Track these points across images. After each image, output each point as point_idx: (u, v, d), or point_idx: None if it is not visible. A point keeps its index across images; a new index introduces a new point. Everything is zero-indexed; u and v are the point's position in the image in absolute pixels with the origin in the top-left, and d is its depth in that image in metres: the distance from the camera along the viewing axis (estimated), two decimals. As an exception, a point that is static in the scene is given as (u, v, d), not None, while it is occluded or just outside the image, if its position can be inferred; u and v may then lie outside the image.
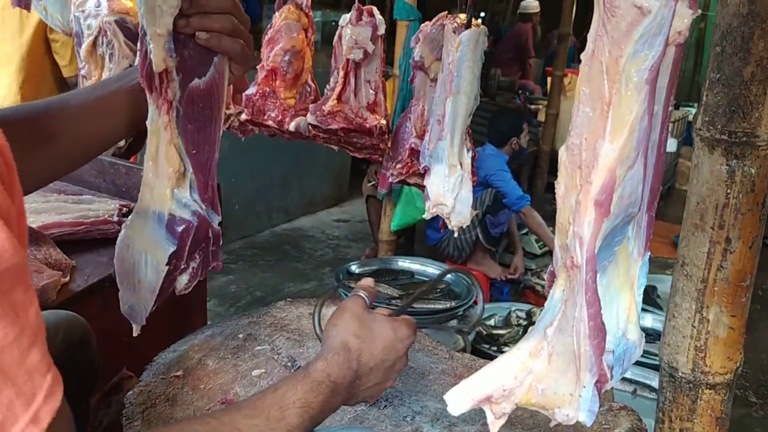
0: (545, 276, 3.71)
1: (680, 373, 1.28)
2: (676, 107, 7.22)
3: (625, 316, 0.96)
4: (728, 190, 1.17)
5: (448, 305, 2.81)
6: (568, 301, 0.82)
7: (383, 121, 1.70)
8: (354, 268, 3.22)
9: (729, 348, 1.25)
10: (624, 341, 0.96)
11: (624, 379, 2.22)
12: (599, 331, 0.80)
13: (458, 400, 0.91)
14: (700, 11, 0.81)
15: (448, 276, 3.23)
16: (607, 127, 0.73)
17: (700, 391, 1.27)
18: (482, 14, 10.22)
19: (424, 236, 4.59)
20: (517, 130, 4.54)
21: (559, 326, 0.83)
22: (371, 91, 1.73)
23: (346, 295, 2.79)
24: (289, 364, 1.37)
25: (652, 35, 0.69)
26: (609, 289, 0.94)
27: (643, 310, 3.24)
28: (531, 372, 0.87)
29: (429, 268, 3.30)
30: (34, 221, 1.71)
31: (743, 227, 1.18)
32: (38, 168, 1.08)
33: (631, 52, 0.70)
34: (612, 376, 0.92)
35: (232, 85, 1.87)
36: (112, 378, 1.59)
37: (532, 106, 7.20)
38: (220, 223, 1.17)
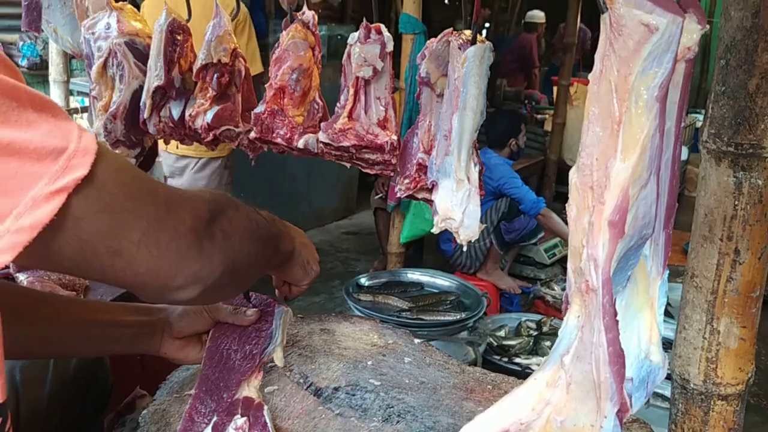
0: (554, 286, 3.70)
1: (692, 385, 1.28)
2: (684, 114, 7.21)
3: (646, 338, 0.94)
4: (736, 202, 1.17)
5: (458, 317, 2.82)
6: (585, 326, 0.81)
7: (394, 137, 1.71)
8: (363, 280, 3.23)
9: (740, 359, 1.25)
10: (647, 363, 0.93)
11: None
12: (619, 357, 0.79)
13: (474, 436, 0.90)
14: (707, 27, 0.81)
15: (458, 287, 3.24)
16: (618, 146, 0.74)
17: (712, 403, 1.27)
18: (486, 24, 10.24)
19: (437, 248, 4.59)
20: (516, 131, 4.54)
21: (576, 353, 0.82)
22: (381, 108, 1.74)
23: (357, 309, 2.81)
24: (301, 380, 1.38)
25: (660, 52, 0.70)
26: (629, 310, 0.93)
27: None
28: (549, 403, 0.84)
29: (438, 280, 3.30)
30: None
31: (752, 238, 1.18)
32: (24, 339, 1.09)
33: (640, 70, 0.71)
34: (633, 403, 0.91)
35: (240, 103, 1.90)
36: (126, 397, 1.60)
37: (539, 116, 7.21)
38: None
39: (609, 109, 0.73)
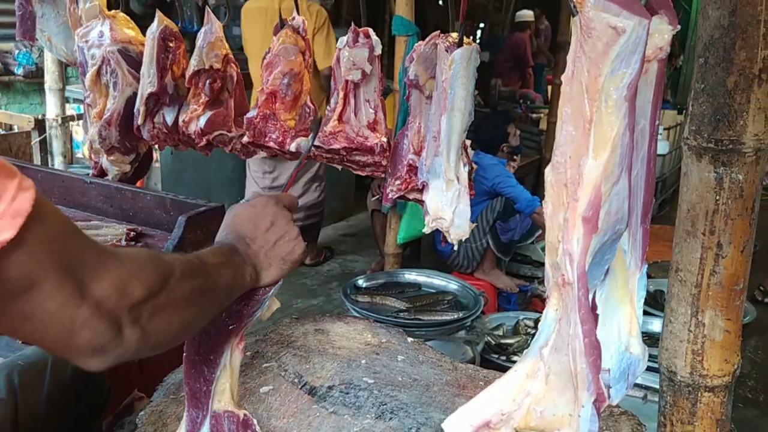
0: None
1: (679, 377, 1.30)
2: (679, 111, 7.24)
3: (626, 330, 0.97)
4: (717, 197, 1.19)
5: (455, 316, 2.84)
6: (562, 319, 0.83)
7: (384, 139, 1.74)
8: (361, 282, 3.25)
9: (726, 351, 1.27)
10: (627, 355, 0.97)
11: (635, 385, 2.23)
12: (594, 348, 0.81)
13: (457, 427, 0.92)
14: (679, 26, 0.84)
15: (455, 287, 3.26)
16: (590, 144, 0.76)
17: (699, 394, 1.29)
18: (481, 24, 10.27)
19: (434, 248, 4.61)
20: (502, 137, 4.51)
21: (554, 345, 0.85)
22: (371, 110, 1.77)
23: (355, 311, 2.83)
24: (296, 380, 1.41)
25: (628, 54, 0.73)
26: (608, 303, 0.96)
27: (652, 314, 3.25)
28: (529, 394, 0.87)
29: (435, 280, 3.32)
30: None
31: (734, 232, 1.21)
32: None
33: (609, 71, 0.73)
34: (613, 394, 0.93)
35: (233, 108, 1.93)
36: (124, 399, 1.62)
37: (534, 115, 7.23)
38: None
39: (581, 109, 0.76)
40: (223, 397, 1.13)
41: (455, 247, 1.66)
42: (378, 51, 1.71)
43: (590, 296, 0.88)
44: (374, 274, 3.60)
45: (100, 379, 1.47)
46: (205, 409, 1.15)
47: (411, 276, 3.40)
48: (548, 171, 0.81)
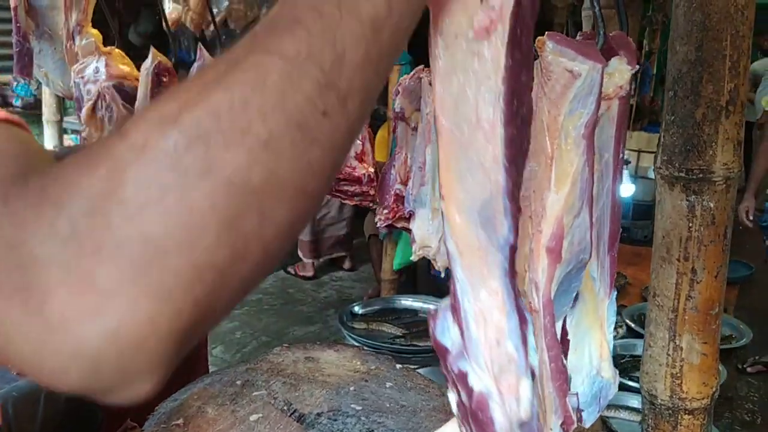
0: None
1: (659, 400, 1.33)
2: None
3: (597, 355, 1.01)
4: (690, 224, 1.24)
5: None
6: (530, 345, 0.87)
7: (371, 170, 1.78)
8: (357, 309, 3.27)
9: (704, 374, 1.31)
10: (599, 379, 1.01)
11: (632, 409, 2.25)
12: (561, 373, 0.85)
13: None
14: (637, 66, 0.88)
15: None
16: (551, 179, 0.80)
17: (679, 417, 1.32)
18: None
19: (428, 274, 4.64)
20: None
21: (523, 371, 0.88)
22: (358, 142, 1.82)
23: (351, 338, 2.85)
24: (285, 408, 1.43)
25: (584, 95, 0.77)
26: (579, 329, 0.99)
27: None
28: None
29: (431, 305, 3.35)
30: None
31: (707, 258, 1.24)
32: None
33: (567, 111, 0.78)
34: (586, 417, 0.97)
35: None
36: (117, 429, 1.64)
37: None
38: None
39: (542, 146, 0.80)
40: None
41: (442, 274, 1.70)
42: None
43: (560, 323, 0.92)
44: (371, 300, 3.63)
45: (93, 408, 1.50)
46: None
47: (407, 302, 3.42)
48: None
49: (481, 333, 0.64)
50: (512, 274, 0.63)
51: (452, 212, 0.64)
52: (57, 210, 0.38)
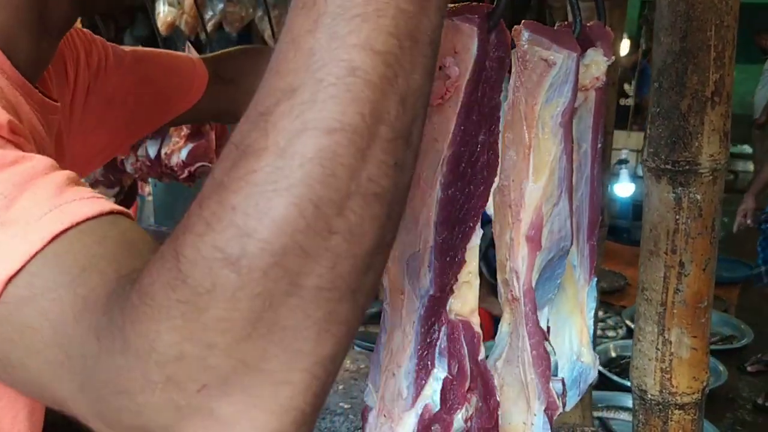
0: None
1: (649, 396, 1.32)
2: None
3: (577, 340, 1.02)
4: (677, 216, 1.23)
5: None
6: (513, 333, 0.87)
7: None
8: (353, 310, 3.27)
9: (694, 368, 1.29)
10: (579, 364, 1.02)
11: (631, 410, 2.24)
12: (543, 359, 0.85)
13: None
14: (614, 57, 0.88)
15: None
16: (530, 168, 0.80)
17: (670, 412, 1.31)
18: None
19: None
20: None
21: (507, 358, 0.88)
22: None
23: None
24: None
25: (560, 84, 0.76)
26: (559, 316, 1.00)
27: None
28: None
29: (428, 307, 3.35)
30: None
31: (695, 251, 1.23)
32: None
33: (544, 100, 0.77)
34: (567, 401, 0.97)
35: (214, 140, 1.97)
36: None
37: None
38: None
39: (521, 135, 0.79)
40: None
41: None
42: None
43: (544, 310, 0.92)
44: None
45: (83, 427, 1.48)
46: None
47: (403, 303, 3.41)
48: (494, 194, 0.85)
49: (385, 362, 0.73)
50: (426, 321, 0.71)
51: (390, 256, 0.70)
52: (144, 358, 0.40)
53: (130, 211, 0.56)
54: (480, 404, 0.77)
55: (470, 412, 0.74)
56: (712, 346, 4.16)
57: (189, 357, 0.39)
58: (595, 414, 3.39)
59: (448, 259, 0.68)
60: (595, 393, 3.58)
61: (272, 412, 0.40)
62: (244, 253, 0.38)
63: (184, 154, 1.90)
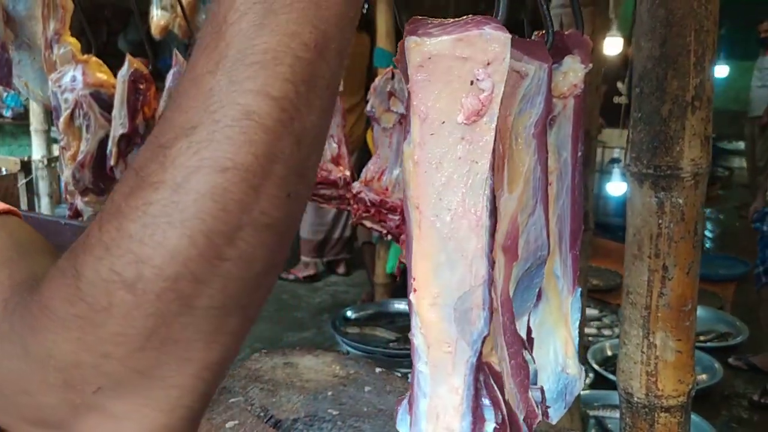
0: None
1: (636, 399, 1.32)
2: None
3: (562, 352, 1.01)
4: (660, 221, 1.23)
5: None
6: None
7: (347, 173, 1.78)
8: (350, 313, 3.26)
9: (679, 371, 1.30)
10: (564, 376, 1.01)
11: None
12: (521, 369, 0.84)
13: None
14: (591, 65, 0.88)
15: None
16: (504, 179, 0.80)
17: (656, 415, 1.32)
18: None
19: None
20: None
21: (487, 368, 0.88)
22: (334, 145, 1.81)
23: (345, 343, 2.84)
24: (262, 414, 1.43)
25: (532, 95, 0.77)
26: (543, 327, 0.99)
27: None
28: None
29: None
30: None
31: (678, 254, 1.24)
32: None
33: (517, 111, 0.77)
34: (552, 414, 0.97)
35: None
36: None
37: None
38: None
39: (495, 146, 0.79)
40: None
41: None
42: (339, 88, 1.76)
43: (526, 319, 0.92)
44: (364, 305, 3.62)
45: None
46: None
47: (401, 305, 3.41)
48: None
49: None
50: (478, 370, 0.64)
51: (424, 307, 0.64)
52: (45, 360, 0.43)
53: (15, 208, 0.57)
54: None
55: None
56: (708, 344, 4.18)
57: (85, 364, 0.42)
58: (591, 413, 3.40)
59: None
60: (591, 392, 3.60)
61: (161, 410, 0.44)
62: (140, 278, 0.41)
63: (172, 161, 1.90)
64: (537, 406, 0.88)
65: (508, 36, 0.58)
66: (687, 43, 1.16)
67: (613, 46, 5.71)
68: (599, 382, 3.63)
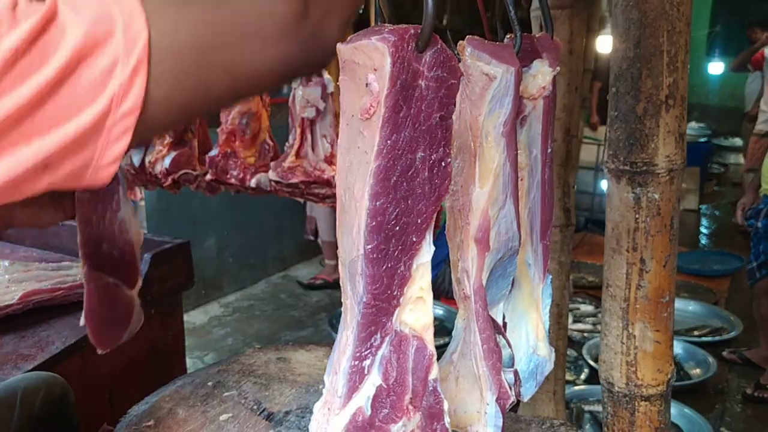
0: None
1: (616, 388, 1.37)
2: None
3: (534, 335, 1.07)
4: (636, 215, 1.27)
5: (441, 342, 2.90)
6: (467, 328, 0.91)
7: (339, 172, 1.82)
8: (345, 311, 3.30)
9: (658, 361, 1.34)
10: (535, 357, 1.06)
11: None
12: (493, 352, 0.89)
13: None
14: (559, 68, 0.92)
15: (441, 312, 3.31)
16: (476, 174, 0.84)
17: (636, 404, 1.36)
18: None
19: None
20: None
21: (461, 351, 0.93)
22: (327, 145, 1.85)
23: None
24: (255, 407, 1.47)
25: (501, 96, 0.81)
26: (516, 312, 1.05)
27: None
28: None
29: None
30: (15, 290, 1.83)
31: (654, 248, 1.28)
32: None
33: (487, 111, 0.82)
34: (524, 392, 1.02)
35: (196, 147, 2.01)
36: (96, 433, 1.68)
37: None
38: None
39: (467, 144, 0.84)
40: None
41: (445, 273, 1.73)
42: (331, 89, 1.80)
43: (500, 306, 0.97)
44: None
45: (69, 414, 1.53)
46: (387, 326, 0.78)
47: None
48: (448, 198, 0.89)
49: (334, 359, 0.80)
50: (364, 328, 0.75)
51: (340, 262, 0.76)
52: None
53: None
54: (423, 423, 0.79)
55: (409, 428, 0.78)
56: (702, 338, 4.21)
57: None
58: (587, 408, 3.44)
59: (384, 269, 0.72)
60: (586, 387, 3.64)
61: None
62: None
63: (167, 162, 1.94)
64: (510, 388, 0.93)
65: (386, 47, 0.65)
66: (660, 44, 1.20)
67: (607, 44, 5.74)
68: (594, 378, 3.67)
